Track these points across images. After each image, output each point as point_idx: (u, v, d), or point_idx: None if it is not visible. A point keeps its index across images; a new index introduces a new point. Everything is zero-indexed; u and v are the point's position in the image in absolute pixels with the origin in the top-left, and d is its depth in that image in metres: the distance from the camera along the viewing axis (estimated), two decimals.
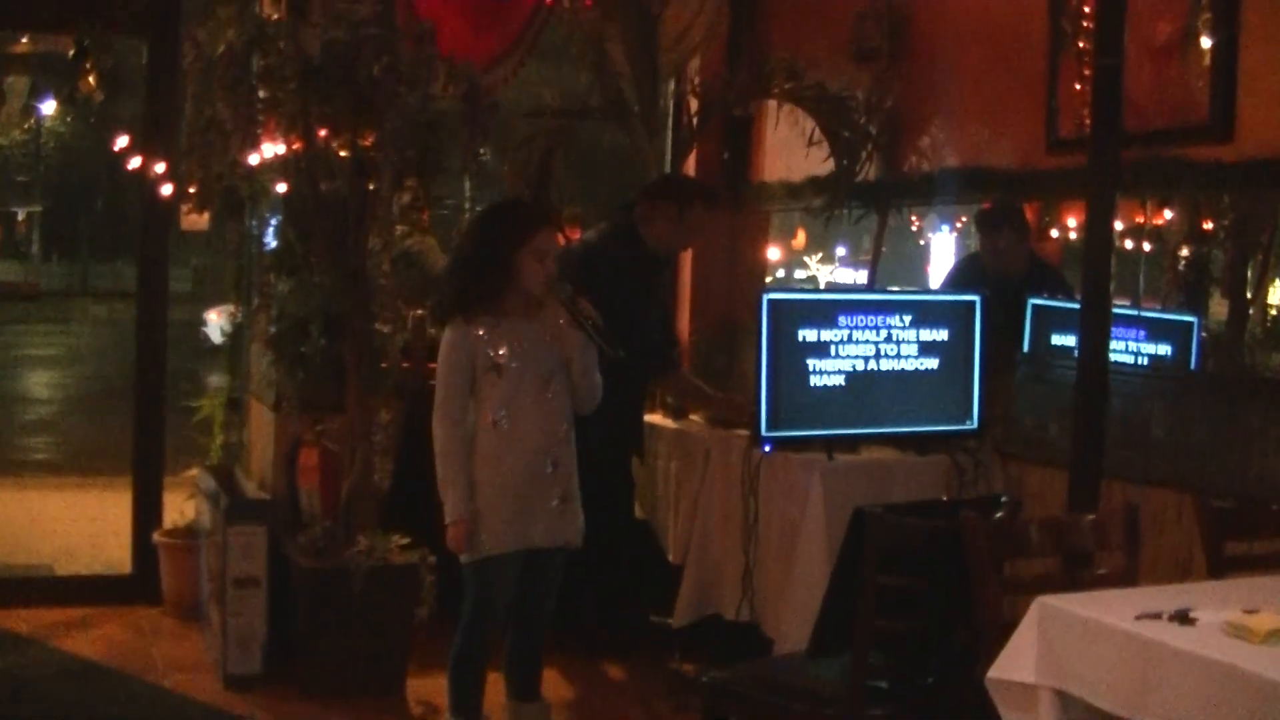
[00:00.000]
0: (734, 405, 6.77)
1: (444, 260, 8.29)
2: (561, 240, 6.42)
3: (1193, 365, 6.56)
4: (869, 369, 6.19)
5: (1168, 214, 7.59)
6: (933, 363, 6.32)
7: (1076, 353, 5.76)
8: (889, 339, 6.22)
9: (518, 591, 5.50)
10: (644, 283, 6.97)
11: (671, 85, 8.19)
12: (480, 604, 5.45)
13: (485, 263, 5.42)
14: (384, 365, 6.81)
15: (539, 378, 5.41)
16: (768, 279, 9.01)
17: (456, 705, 5.51)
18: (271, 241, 7.44)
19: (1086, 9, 6.32)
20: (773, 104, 7.87)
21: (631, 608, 7.04)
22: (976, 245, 7.63)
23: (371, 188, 6.53)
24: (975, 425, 6.40)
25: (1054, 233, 7.92)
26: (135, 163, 7.42)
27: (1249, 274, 7.51)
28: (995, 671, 3.80)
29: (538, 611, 5.61)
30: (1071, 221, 7.69)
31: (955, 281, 7.77)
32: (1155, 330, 6.70)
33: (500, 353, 5.37)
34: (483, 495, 5.36)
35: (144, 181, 7.43)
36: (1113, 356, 5.87)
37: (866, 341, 6.17)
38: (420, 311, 7.61)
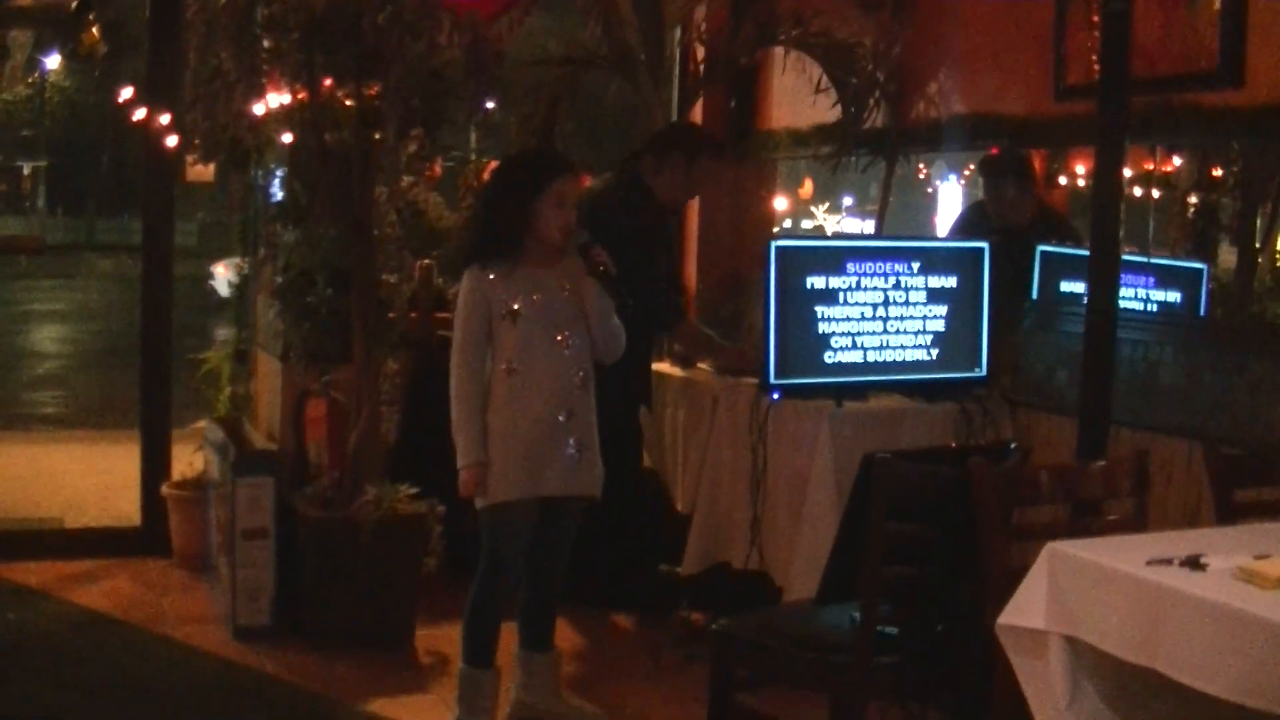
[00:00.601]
0: (741, 354, 6.76)
1: (447, 214, 8.28)
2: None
3: (1201, 312, 6.55)
4: (877, 316, 6.18)
5: (1176, 161, 7.58)
6: (941, 310, 6.29)
7: (1085, 300, 5.74)
8: (897, 286, 6.20)
9: (534, 541, 5.51)
10: (651, 234, 6.95)
11: (677, 34, 8.15)
12: (495, 552, 5.46)
13: (505, 210, 5.43)
14: (390, 316, 6.80)
15: (554, 326, 5.41)
16: (774, 228, 8.99)
17: (470, 653, 5.52)
18: (277, 193, 7.42)
19: None
20: (779, 52, 7.84)
21: (640, 557, 7.05)
22: (982, 193, 7.60)
23: (377, 138, 6.51)
24: (983, 373, 6.38)
25: (1062, 180, 7.91)
26: (140, 115, 7.40)
27: (1258, 222, 7.50)
28: (1005, 618, 3.79)
29: (552, 561, 5.62)
30: (1080, 169, 7.68)
31: (961, 230, 7.75)
32: (1164, 277, 6.69)
33: (516, 300, 5.37)
34: (495, 442, 5.37)
35: (149, 134, 7.41)
36: (1121, 304, 5.86)
37: (874, 289, 6.15)
38: (426, 262, 7.61)
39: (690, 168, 6.86)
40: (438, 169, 7.50)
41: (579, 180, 5.70)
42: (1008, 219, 7.17)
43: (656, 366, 7.04)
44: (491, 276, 5.39)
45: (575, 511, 5.61)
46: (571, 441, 5.45)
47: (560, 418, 5.42)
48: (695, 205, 8.24)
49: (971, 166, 8.35)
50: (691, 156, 6.87)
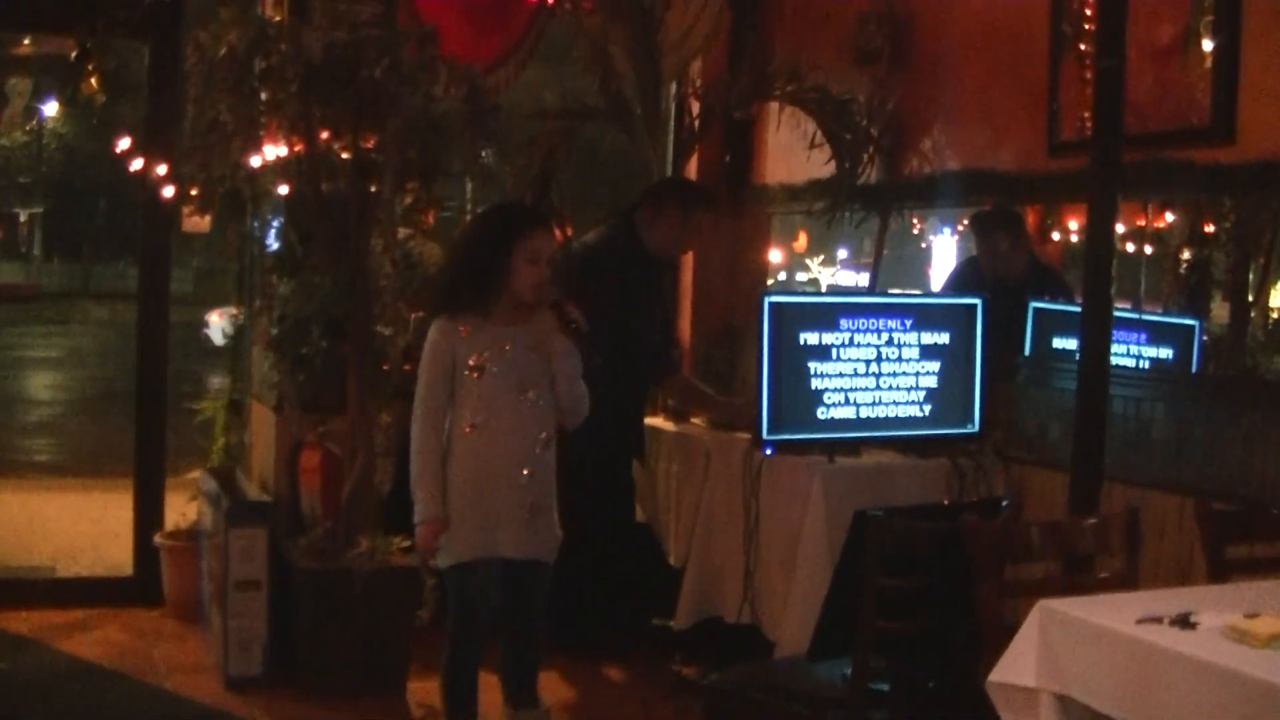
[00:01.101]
0: (735, 408, 6.77)
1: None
2: (560, 237, 6.41)
3: (1194, 368, 6.56)
4: (870, 372, 6.19)
5: (1169, 216, 7.60)
6: (934, 366, 6.32)
7: (1078, 355, 5.76)
8: (890, 342, 6.23)
9: (505, 603, 5.47)
10: (645, 285, 6.98)
11: (673, 87, 8.18)
12: (461, 609, 5.41)
13: (478, 263, 5.36)
14: (385, 367, 6.82)
15: (519, 384, 5.33)
16: (769, 281, 9.01)
17: (450, 711, 5.49)
18: (273, 243, 7.43)
19: (1088, 11, 6.32)
20: (774, 106, 7.87)
21: (633, 610, 7.05)
22: (975, 249, 7.63)
23: (373, 189, 6.54)
24: (976, 428, 6.40)
25: (1055, 235, 7.93)
26: (137, 164, 7.42)
27: (1250, 277, 7.51)
28: (996, 675, 3.79)
29: (525, 623, 5.52)
30: (1073, 224, 7.70)
31: (955, 285, 7.77)
32: (1156, 333, 6.70)
33: (483, 355, 5.30)
34: (454, 500, 5.31)
35: (146, 183, 7.42)
36: (1114, 359, 5.87)
37: (868, 345, 6.17)
38: (421, 314, 7.61)
39: (685, 220, 6.89)
40: (430, 219, 7.51)
41: (553, 236, 5.65)
42: (1001, 274, 7.19)
43: (650, 421, 7.06)
44: (461, 330, 5.32)
45: (540, 576, 5.49)
46: (528, 504, 5.35)
47: (521, 478, 5.33)
48: (690, 257, 8.26)
49: (965, 221, 8.37)
50: (686, 209, 6.90)
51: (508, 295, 5.35)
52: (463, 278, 5.38)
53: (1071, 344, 6.39)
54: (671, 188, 7.20)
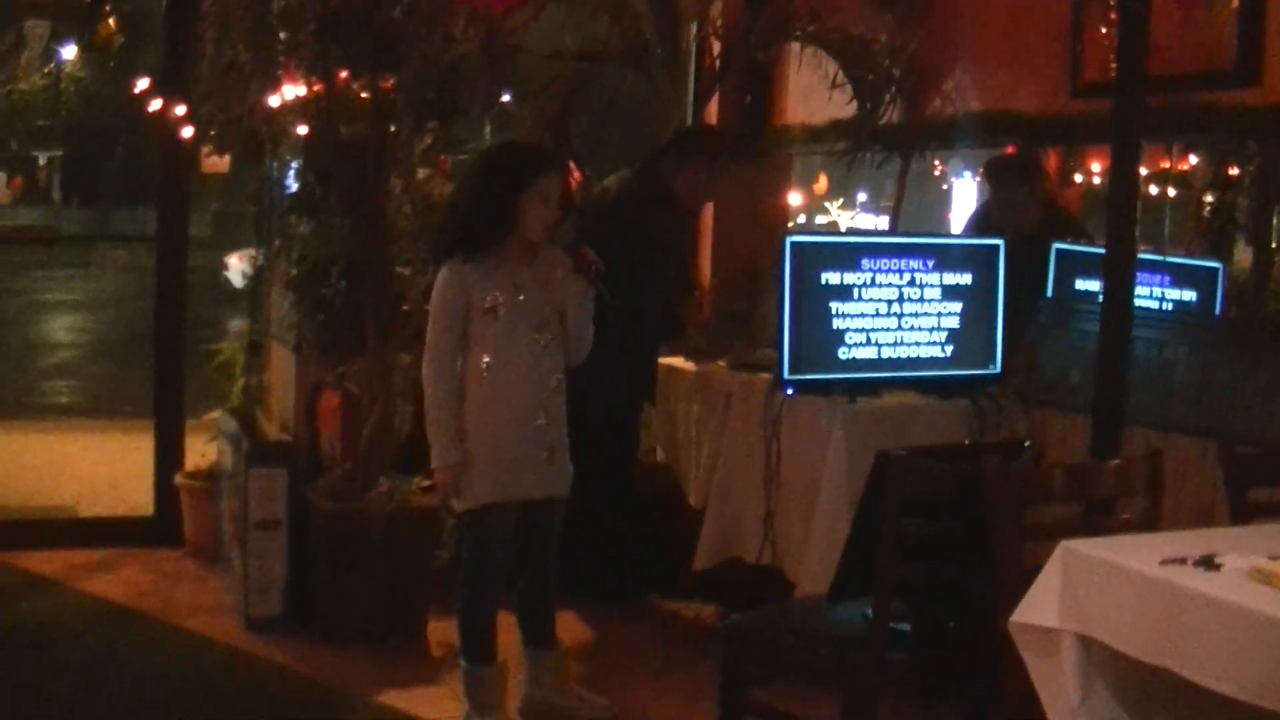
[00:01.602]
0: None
1: None
2: (578, 178, 6.37)
3: (1217, 312, 6.53)
4: (891, 313, 6.17)
5: (1193, 159, 7.55)
6: (955, 307, 6.28)
7: (1100, 298, 5.73)
8: (912, 283, 6.19)
9: (520, 544, 5.48)
10: (665, 237, 6.96)
11: (693, 29, 8.13)
12: (477, 553, 5.43)
13: (487, 205, 5.32)
14: (405, 309, 6.80)
15: (533, 325, 5.34)
16: (789, 224, 8.98)
17: (468, 651, 5.51)
18: (292, 185, 7.42)
19: None
20: (795, 47, 7.83)
21: (650, 552, 7.06)
22: (990, 196, 7.56)
23: (392, 131, 6.51)
24: (997, 370, 6.37)
25: (1078, 178, 7.88)
26: (155, 106, 7.41)
27: (1274, 220, 7.46)
28: (1018, 616, 3.79)
29: (541, 562, 5.58)
30: (1095, 166, 7.65)
31: (972, 232, 7.71)
32: (1179, 276, 6.66)
33: (496, 296, 5.29)
34: (473, 443, 5.31)
35: (164, 124, 7.42)
36: (1137, 302, 5.85)
37: (889, 285, 6.14)
38: None
39: (712, 170, 6.87)
40: (446, 162, 7.49)
41: (564, 177, 5.64)
42: (1013, 222, 7.11)
43: (670, 361, 7.04)
44: (473, 271, 5.31)
45: (555, 512, 5.55)
46: (545, 444, 5.39)
47: (539, 420, 5.36)
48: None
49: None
50: (714, 159, 6.87)
51: (517, 236, 5.33)
52: (473, 219, 5.36)
53: (1094, 286, 6.36)
54: (701, 137, 7.18)
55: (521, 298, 5.33)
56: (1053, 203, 7.33)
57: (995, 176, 7.29)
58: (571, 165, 7.37)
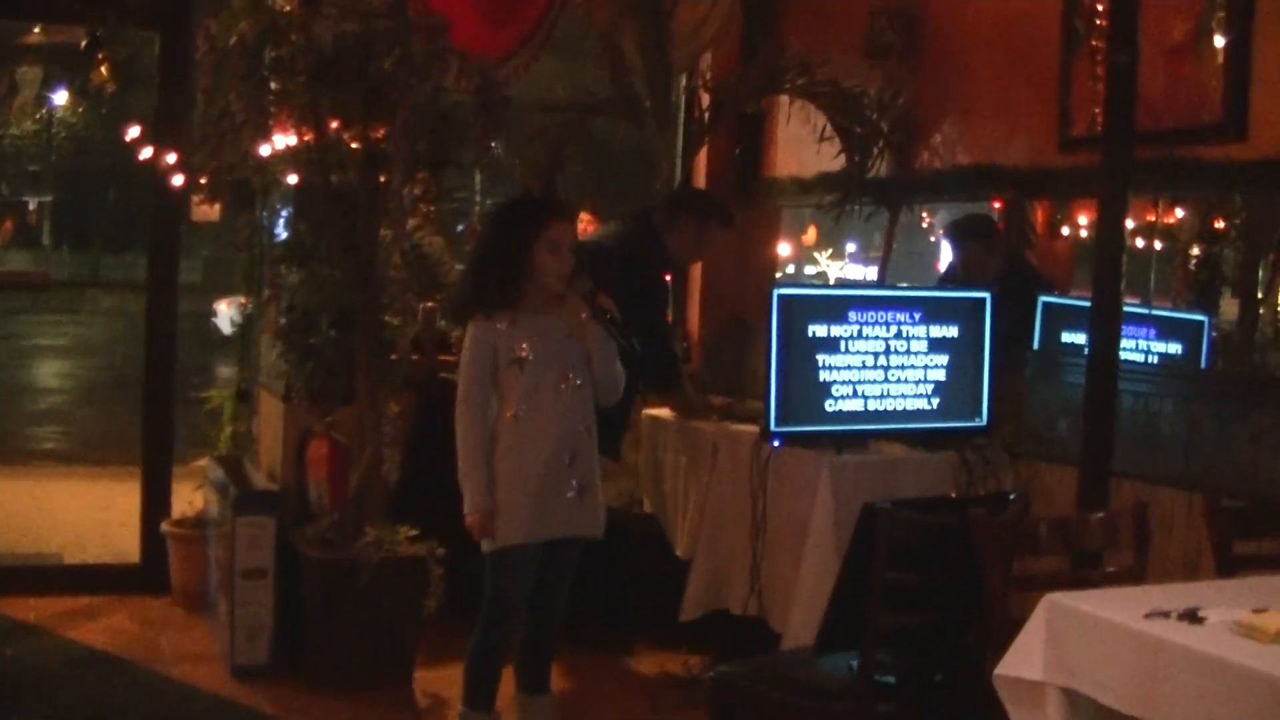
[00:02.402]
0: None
1: (447, 258, 8.28)
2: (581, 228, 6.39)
3: (1203, 364, 6.55)
4: (878, 365, 6.19)
5: (1179, 213, 7.59)
6: (942, 359, 6.31)
7: (1087, 350, 5.75)
8: (899, 335, 6.22)
9: (534, 582, 5.51)
10: (658, 287, 6.99)
11: (684, 80, 8.18)
12: (500, 595, 5.46)
13: (501, 258, 5.43)
14: (394, 357, 6.81)
15: (559, 371, 5.43)
16: (778, 275, 9.01)
17: (471, 697, 5.53)
18: (282, 233, 7.44)
19: (1100, 7, 6.32)
20: (785, 100, 7.87)
21: (637, 602, 7.05)
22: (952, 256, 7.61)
23: (383, 180, 6.53)
24: (985, 422, 6.39)
25: (1065, 231, 7.92)
26: (147, 154, 7.43)
27: (1260, 273, 7.50)
28: (1003, 668, 3.79)
29: (551, 603, 5.61)
30: (1083, 219, 7.69)
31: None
32: (1166, 329, 6.69)
33: (522, 347, 5.38)
34: (502, 488, 5.38)
35: (155, 172, 7.44)
36: (1123, 355, 5.87)
37: (876, 337, 6.17)
38: (430, 304, 7.61)
39: (700, 233, 6.90)
40: (423, 210, 7.51)
41: (573, 225, 5.71)
42: (976, 278, 7.16)
43: (656, 412, 7.05)
44: (498, 324, 5.40)
45: (576, 553, 5.61)
46: (574, 484, 5.45)
47: (565, 461, 5.43)
48: None
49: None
50: (702, 221, 6.91)
51: (534, 287, 5.42)
52: (488, 274, 5.46)
53: (1081, 338, 6.38)
54: (689, 199, 7.22)
55: (547, 346, 5.42)
56: (1016, 256, 7.37)
57: (955, 236, 7.38)
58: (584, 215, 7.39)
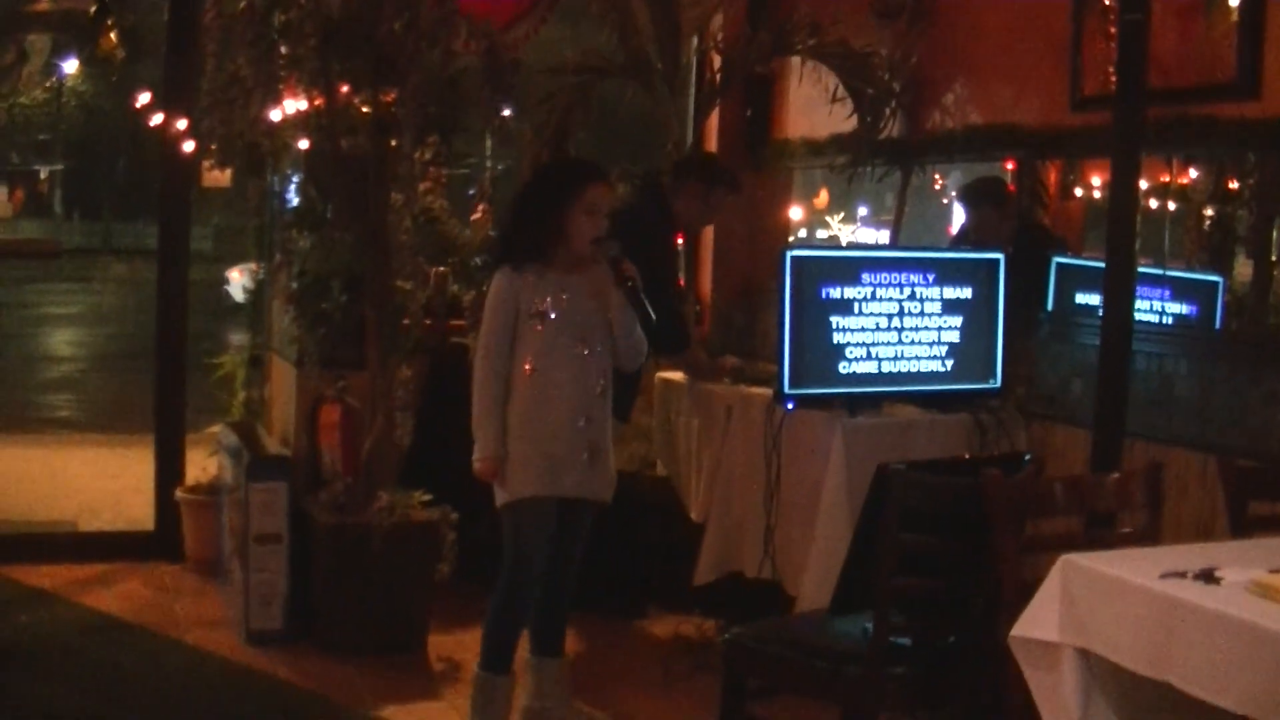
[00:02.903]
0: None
1: (455, 222, 8.28)
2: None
3: (1217, 325, 6.53)
4: (892, 327, 6.17)
5: (1193, 173, 7.55)
6: (955, 321, 6.29)
7: (1101, 312, 5.73)
8: (912, 296, 6.20)
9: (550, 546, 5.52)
10: (668, 251, 6.97)
11: (694, 43, 8.14)
12: (518, 551, 5.46)
13: (538, 216, 5.47)
14: (405, 322, 6.81)
15: (579, 331, 5.45)
16: (790, 238, 8.99)
17: (489, 658, 5.53)
18: (293, 199, 7.43)
19: None
20: (795, 61, 7.83)
21: (650, 565, 7.06)
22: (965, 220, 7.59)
23: (393, 145, 6.52)
24: (998, 384, 6.37)
25: (1078, 191, 7.89)
26: (157, 120, 7.41)
27: (1274, 233, 7.46)
28: (1018, 629, 3.79)
29: (565, 564, 5.61)
30: (1096, 180, 7.65)
31: None
32: (1180, 290, 6.67)
33: (545, 301, 5.41)
34: (515, 439, 5.40)
35: (165, 139, 7.42)
36: (1137, 316, 5.85)
37: (889, 299, 6.15)
38: (441, 269, 7.61)
39: (706, 198, 6.88)
40: (429, 176, 7.49)
41: (611, 189, 5.72)
42: (988, 240, 7.14)
43: (670, 375, 7.04)
44: (524, 277, 5.43)
45: (587, 515, 5.61)
46: (586, 446, 5.46)
47: (580, 423, 5.44)
48: None
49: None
50: (709, 186, 6.88)
51: (566, 247, 5.46)
52: (523, 228, 5.52)
53: (1094, 299, 6.36)
54: (696, 165, 7.19)
55: (568, 305, 5.44)
56: (1028, 217, 7.35)
57: (966, 199, 7.37)
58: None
